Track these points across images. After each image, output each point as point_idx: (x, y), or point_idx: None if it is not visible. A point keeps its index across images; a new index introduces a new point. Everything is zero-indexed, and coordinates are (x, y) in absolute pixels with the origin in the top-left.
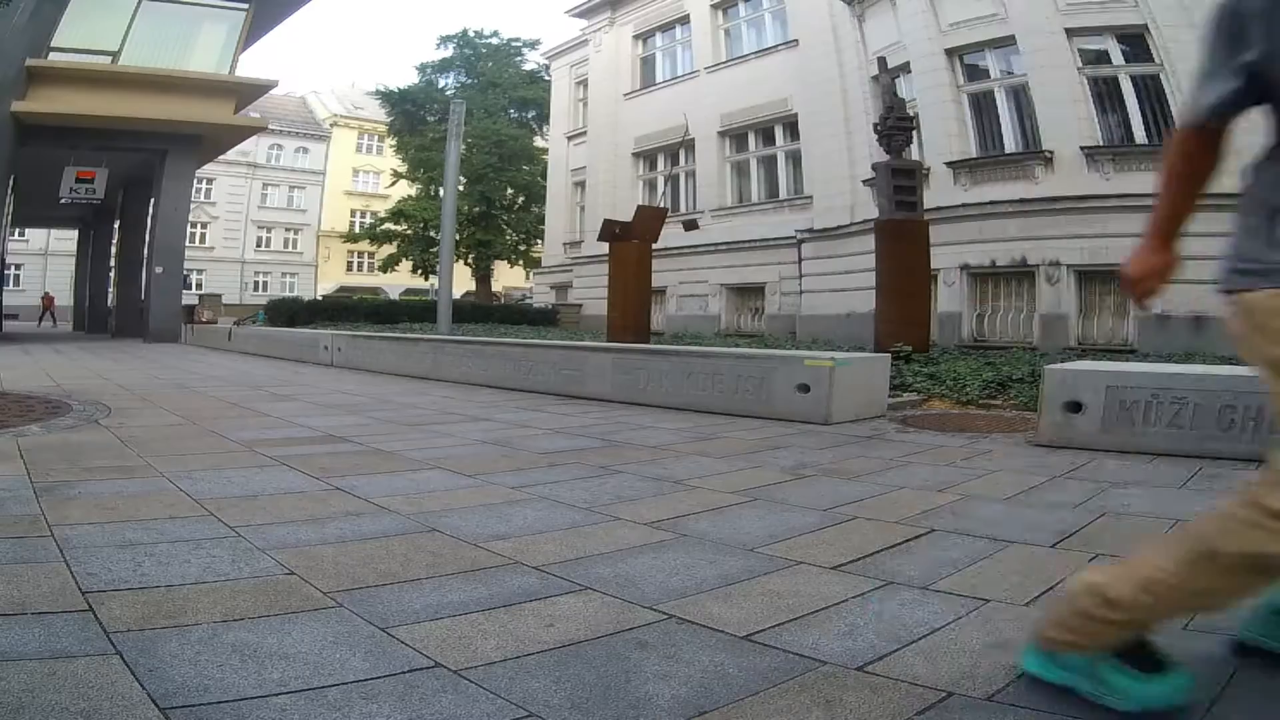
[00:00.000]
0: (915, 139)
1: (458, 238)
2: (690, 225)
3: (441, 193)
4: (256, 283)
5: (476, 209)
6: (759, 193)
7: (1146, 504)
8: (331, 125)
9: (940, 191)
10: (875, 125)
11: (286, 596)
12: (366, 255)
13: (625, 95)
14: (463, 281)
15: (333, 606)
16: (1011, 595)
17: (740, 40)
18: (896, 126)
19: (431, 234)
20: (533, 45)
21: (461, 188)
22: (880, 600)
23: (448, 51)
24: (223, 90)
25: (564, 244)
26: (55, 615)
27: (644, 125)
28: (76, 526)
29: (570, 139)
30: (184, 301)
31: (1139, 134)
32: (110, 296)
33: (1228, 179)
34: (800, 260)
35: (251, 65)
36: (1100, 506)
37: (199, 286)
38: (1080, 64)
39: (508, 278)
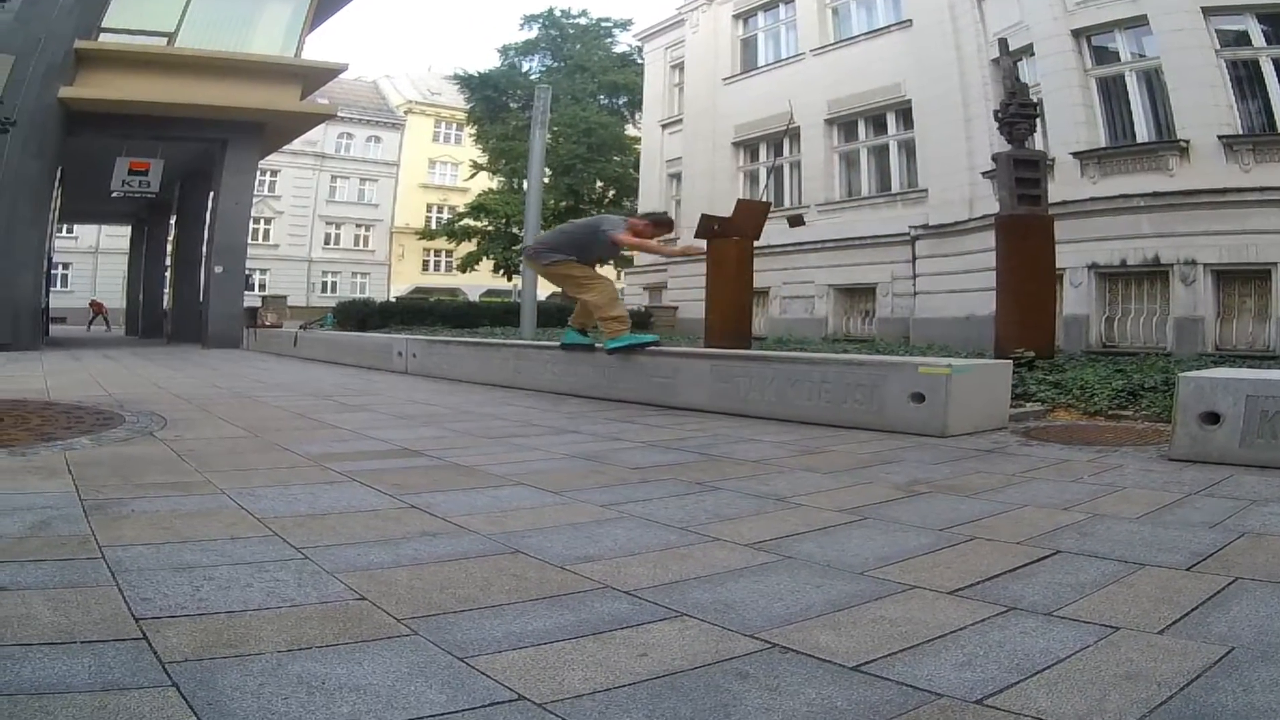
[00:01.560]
0: (1039, 127)
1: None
2: (795, 221)
3: (525, 185)
4: (325, 283)
5: (563, 203)
6: (869, 186)
7: None
8: (406, 113)
9: (1066, 184)
10: (995, 112)
11: (357, 623)
12: (444, 253)
13: (724, 80)
14: (548, 283)
15: (407, 634)
16: (1144, 622)
17: (849, 20)
18: (1019, 114)
19: (514, 230)
20: (624, 26)
21: (547, 180)
22: (1001, 627)
23: (532, 32)
24: (288, 74)
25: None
26: (106, 644)
27: (745, 112)
28: (129, 547)
29: (665, 127)
30: (246, 304)
31: None
32: (166, 298)
33: None
34: (914, 259)
35: (319, 47)
36: (1239, 526)
37: (262, 287)
38: (1218, 46)
39: None
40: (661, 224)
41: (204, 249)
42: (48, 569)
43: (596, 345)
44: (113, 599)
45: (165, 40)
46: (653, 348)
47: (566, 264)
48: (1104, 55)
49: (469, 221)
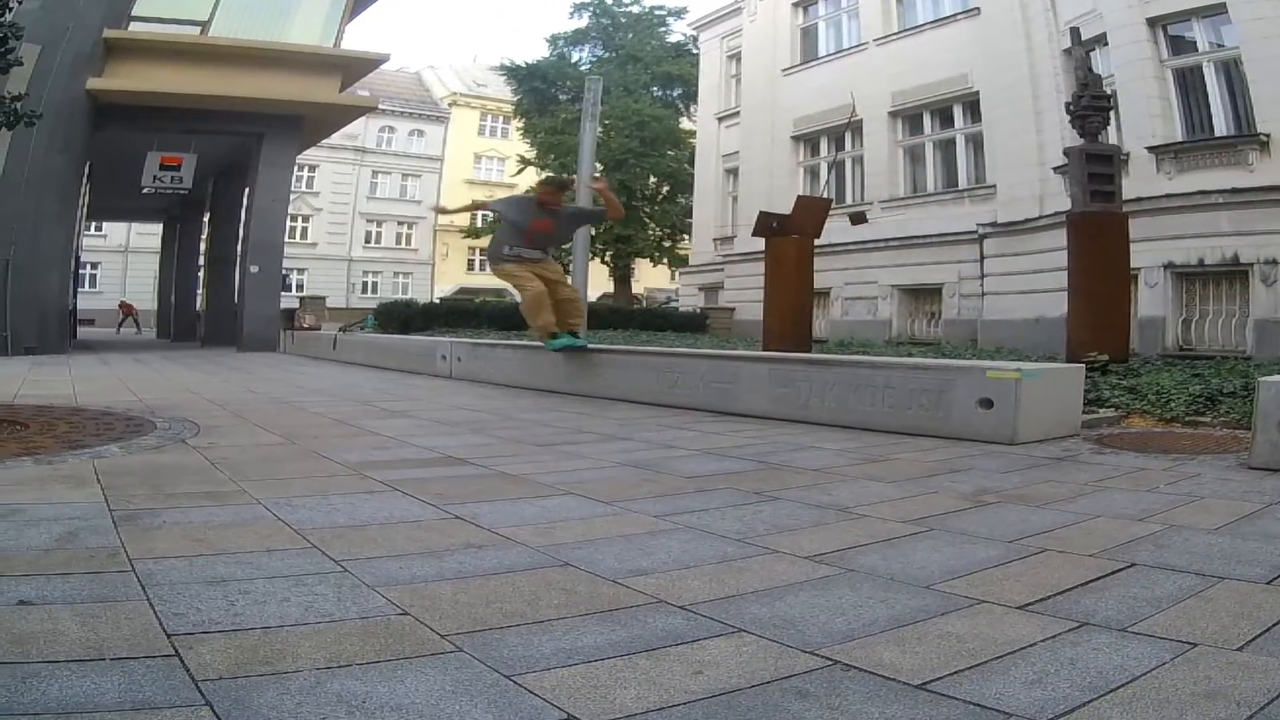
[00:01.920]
0: (1112, 120)
1: (593, 233)
2: (858, 218)
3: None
4: (365, 283)
5: None
6: (935, 181)
7: None
8: (450, 105)
9: (1141, 180)
10: (1067, 105)
11: (399, 640)
12: None
13: (783, 71)
14: (599, 282)
15: (452, 651)
16: (1222, 638)
17: (914, 8)
18: (1091, 106)
19: None
20: (679, 14)
21: (598, 175)
22: (1073, 644)
23: (582, 21)
24: (327, 65)
25: (714, 239)
26: (137, 661)
27: (805, 105)
28: (161, 560)
29: (721, 120)
30: (283, 305)
31: None
32: (199, 299)
33: None
34: (982, 258)
35: (359, 37)
36: None
37: (300, 288)
38: None
39: (650, 278)
40: (558, 186)
41: (239, 248)
42: (75, 583)
43: (588, 346)
44: (143, 614)
45: (198, 29)
46: (709, 351)
47: (502, 266)
48: (1181, 45)
49: None
